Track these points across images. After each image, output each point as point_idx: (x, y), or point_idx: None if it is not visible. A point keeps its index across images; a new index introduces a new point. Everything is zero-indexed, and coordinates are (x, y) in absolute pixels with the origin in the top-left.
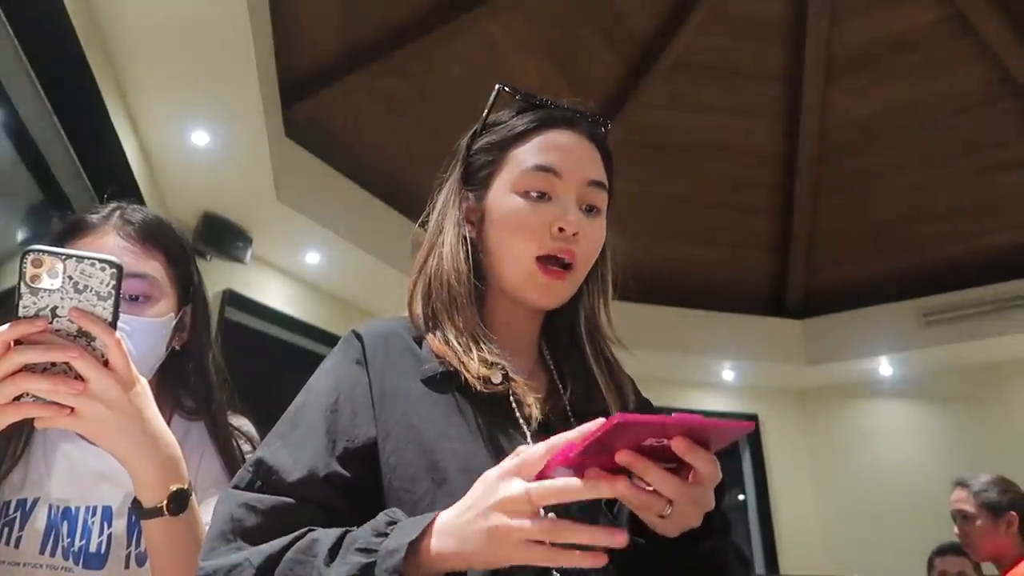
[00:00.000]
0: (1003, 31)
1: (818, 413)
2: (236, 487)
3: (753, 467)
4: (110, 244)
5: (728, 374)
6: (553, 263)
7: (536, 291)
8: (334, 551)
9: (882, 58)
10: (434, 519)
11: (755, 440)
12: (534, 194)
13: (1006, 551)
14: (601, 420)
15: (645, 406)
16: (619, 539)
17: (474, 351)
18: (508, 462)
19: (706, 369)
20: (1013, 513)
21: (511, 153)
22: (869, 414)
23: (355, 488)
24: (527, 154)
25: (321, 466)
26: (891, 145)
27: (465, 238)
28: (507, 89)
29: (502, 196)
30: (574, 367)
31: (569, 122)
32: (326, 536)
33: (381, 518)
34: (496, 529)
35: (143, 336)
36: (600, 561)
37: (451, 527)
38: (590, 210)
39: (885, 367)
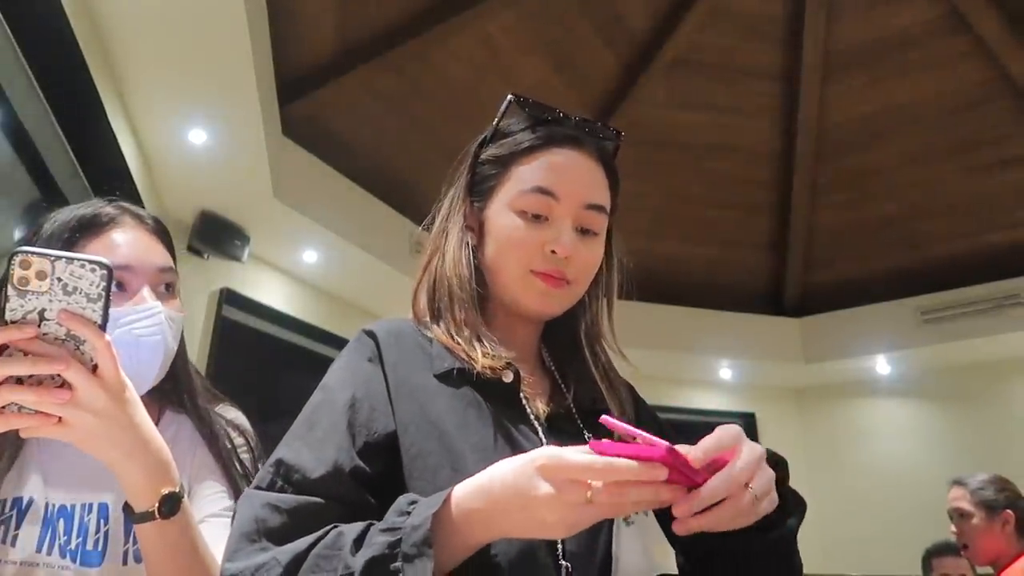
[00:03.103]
0: (1000, 29)
1: (815, 411)
2: (257, 488)
3: None
4: (141, 238)
5: (725, 373)
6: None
7: (533, 298)
8: (359, 541)
9: (879, 56)
10: (451, 490)
11: (752, 438)
12: (530, 215)
13: (1003, 549)
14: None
15: (644, 410)
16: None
17: (477, 347)
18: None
19: (703, 368)
20: (1009, 511)
21: (514, 169)
22: (866, 412)
23: (377, 483)
24: (528, 173)
25: (345, 461)
26: (888, 143)
27: (468, 244)
28: (517, 100)
29: (500, 212)
30: (576, 371)
31: (575, 140)
32: (351, 529)
33: (401, 500)
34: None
35: (178, 330)
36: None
37: (484, 490)
38: (585, 232)
39: (882, 365)
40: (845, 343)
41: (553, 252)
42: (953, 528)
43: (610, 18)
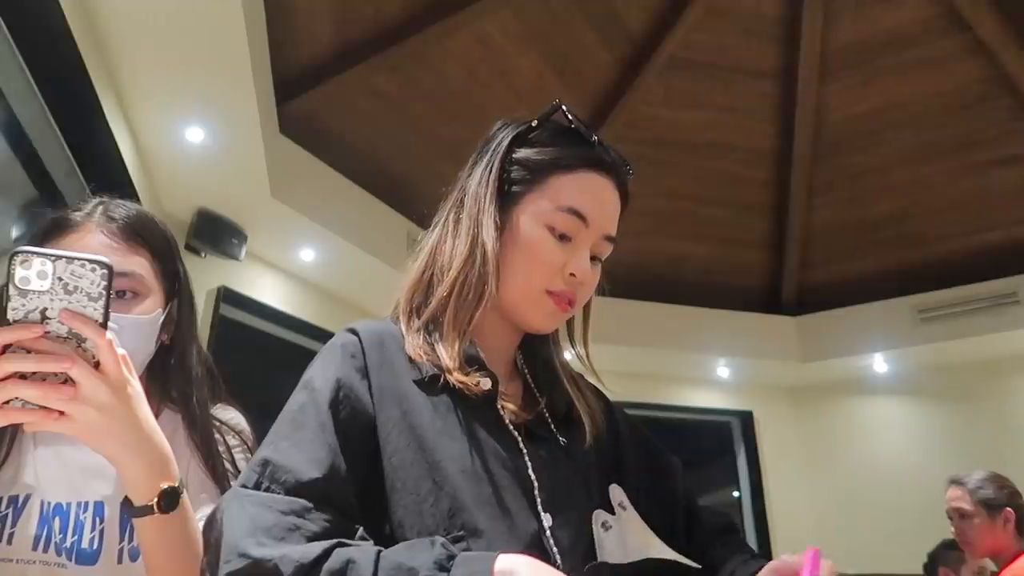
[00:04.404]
0: (997, 28)
1: (813, 410)
2: (243, 486)
3: (747, 464)
4: (93, 243)
5: (723, 371)
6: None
7: (541, 317)
8: None
9: (876, 55)
10: (495, 559)
11: (749, 437)
12: (558, 233)
13: (1004, 547)
14: None
15: (617, 416)
16: None
17: (459, 358)
18: None
19: (701, 366)
20: (1009, 510)
21: (551, 180)
22: (863, 411)
23: (363, 486)
24: (566, 190)
25: (336, 464)
26: (885, 142)
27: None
28: (564, 111)
29: (529, 221)
30: (548, 377)
31: (610, 169)
32: (362, 560)
33: (439, 550)
34: None
35: (131, 334)
36: None
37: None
38: (594, 259)
39: (879, 364)
40: (842, 341)
41: (572, 275)
42: (952, 528)
43: (607, 17)
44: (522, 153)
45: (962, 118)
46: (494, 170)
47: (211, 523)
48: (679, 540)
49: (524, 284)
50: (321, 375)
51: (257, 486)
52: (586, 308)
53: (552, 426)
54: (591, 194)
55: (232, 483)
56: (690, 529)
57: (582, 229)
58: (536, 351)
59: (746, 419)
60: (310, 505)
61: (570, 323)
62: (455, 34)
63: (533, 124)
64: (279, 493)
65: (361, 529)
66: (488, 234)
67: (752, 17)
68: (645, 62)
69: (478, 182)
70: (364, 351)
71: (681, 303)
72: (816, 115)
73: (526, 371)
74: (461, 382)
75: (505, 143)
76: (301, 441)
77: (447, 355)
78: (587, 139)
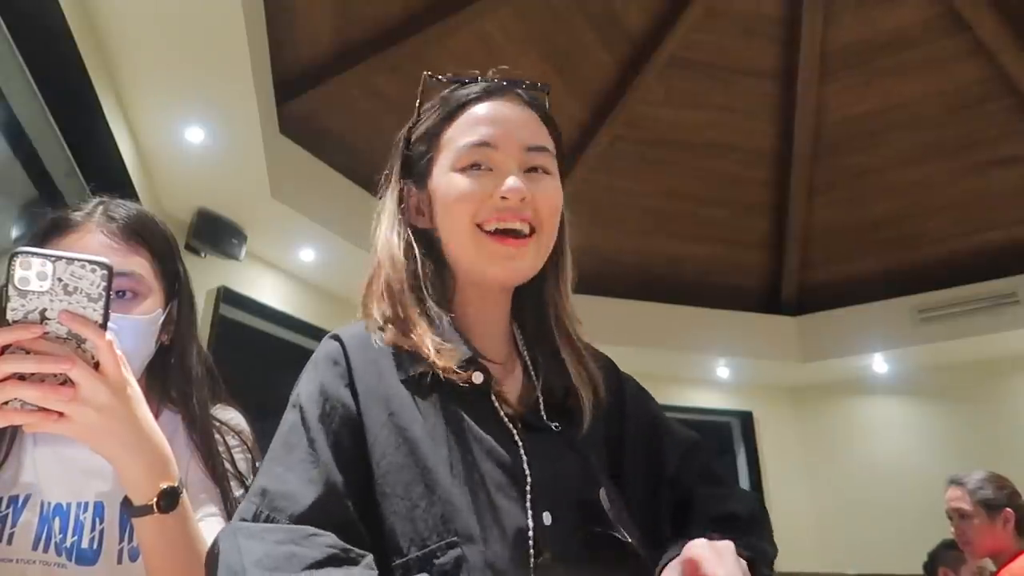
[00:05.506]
0: (997, 28)
1: (813, 410)
2: (242, 519)
3: (747, 464)
4: (93, 243)
5: (723, 371)
6: (508, 234)
7: (490, 261)
8: None
9: (877, 55)
10: None
11: (749, 437)
12: (472, 168)
13: (1003, 547)
14: None
15: (626, 392)
16: None
17: (429, 341)
18: None
19: (701, 366)
20: (1009, 510)
21: (445, 135)
22: (864, 411)
23: (357, 498)
24: (459, 133)
25: (332, 481)
26: (885, 142)
27: (403, 229)
28: (435, 77)
29: (442, 177)
30: (545, 355)
31: (499, 93)
32: None
33: None
34: None
35: (131, 335)
36: None
37: None
38: (534, 170)
39: (879, 364)
40: (842, 342)
41: (504, 198)
42: (952, 528)
43: (607, 17)
44: (417, 132)
45: (962, 118)
46: (395, 163)
47: (209, 560)
48: (664, 528)
49: (458, 232)
50: (306, 390)
51: (256, 517)
52: (562, 260)
53: (550, 413)
54: (484, 120)
55: (231, 483)
56: (684, 517)
57: (493, 154)
58: (528, 320)
59: (746, 419)
60: (311, 531)
61: (547, 284)
62: (455, 34)
63: (417, 105)
64: (281, 521)
65: (370, 556)
66: (395, 241)
67: (752, 17)
68: (645, 62)
69: (384, 183)
70: (348, 356)
71: (681, 303)
72: (816, 115)
73: (523, 347)
74: (456, 375)
75: (402, 136)
76: (294, 463)
77: (434, 351)
78: (464, 83)
